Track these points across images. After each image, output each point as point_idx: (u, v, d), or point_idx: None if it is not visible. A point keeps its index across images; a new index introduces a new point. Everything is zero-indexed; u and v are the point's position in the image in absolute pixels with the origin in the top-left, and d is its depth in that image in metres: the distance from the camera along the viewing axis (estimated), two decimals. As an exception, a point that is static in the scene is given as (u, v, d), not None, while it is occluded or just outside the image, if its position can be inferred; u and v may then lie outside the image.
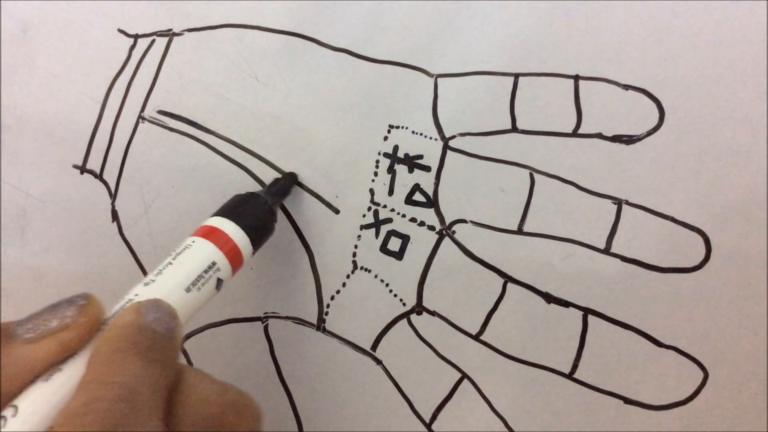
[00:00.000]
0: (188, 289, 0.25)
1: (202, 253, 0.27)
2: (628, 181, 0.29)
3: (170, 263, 0.26)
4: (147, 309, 0.22)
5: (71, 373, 0.21)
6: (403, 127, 0.32)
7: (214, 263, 0.27)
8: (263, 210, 0.30)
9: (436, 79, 0.32)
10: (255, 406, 0.22)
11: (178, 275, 0.25)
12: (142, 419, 0.19)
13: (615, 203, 0.29)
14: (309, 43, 0.34)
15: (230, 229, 0.28)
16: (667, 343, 0.28)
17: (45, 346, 0.21)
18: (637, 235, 0.29)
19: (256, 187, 0.34)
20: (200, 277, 0.26)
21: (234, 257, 0.28)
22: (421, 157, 0.32)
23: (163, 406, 0.20)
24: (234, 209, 0.29)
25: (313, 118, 0.34)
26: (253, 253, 0.29)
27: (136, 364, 0.20)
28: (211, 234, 0.27)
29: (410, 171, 0.32)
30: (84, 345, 0.22)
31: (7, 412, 0.20)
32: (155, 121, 0.36)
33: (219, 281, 0.27)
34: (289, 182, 0.33)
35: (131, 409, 0.19)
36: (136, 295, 0.24)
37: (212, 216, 0.29)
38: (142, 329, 0.22)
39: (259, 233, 0.30)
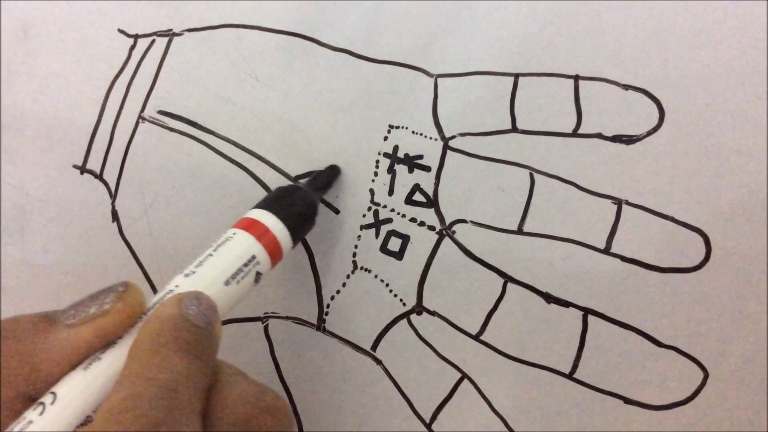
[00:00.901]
0: (227, 282, 0.25)
1: (242, 246, 0.26)
2: (628, 181, 0.29)
3: (210, 255, 0.25)
4: (188, 301, 0.22)
5: (111, 363, 0.21)
6: (403, 127, 0.32)
7: (253, 257, 0.26)
8: (305, 203, 0.30)
9: (436, 79, 0.32)
10: (289, 410, 0.23)
11: (218, 268, 0.25)
12: (182, 418, 0.19)
13: (615, 203, 0.29)
14: (309, 43, 0.34)
15: (271, 222, 0.28)
16: (667, 343, 0.28)
17: (84, 331, 0.21)
18: (637, 235, 0.29)
19: (255, 187, 0.34)
20: (240, 270, 0.26)
21: (274, 250, 0.27)
22: (421, 157, 0.32)
23: (202, 405, 0.20)
24: (275, 202, 0.29)
25: (313, 118, 0.34)
26: (293, 247, 0.29)
27: (177, 360, 0.20)
28: (252, 226, 0.27)
29: (410, 171, 0.32)
30: (123, 332, 0.22)
31: (46, 399, 0.20)
32: (155, 121, 0.36)
33: (258, 275, 0.27)
34: (332, 175, 0.32)
35: (172, 407, 0.19)
36: (177, 286, 0.24)
37: (253, 208, 0.29)
38: (183, 323, 0.21)
39: (299, 227, 0.29)
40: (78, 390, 0.21)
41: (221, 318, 0.24)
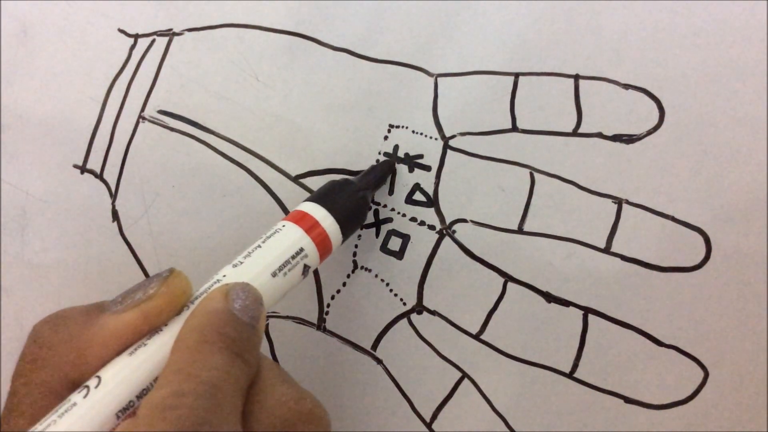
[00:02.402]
0: (275, 274, 0.25)
1: (290, 238, 0.26)
2: (628, 180, 0.29)
3: (259, 246, 0.26)
4: (235, 294, 0.22)
5: (156, 350, 0.21)
6: (403, 127, 0.32)
7: (302, 249, 0.26)
8: (356, 198, 0.30)
9: (436, 79, 0.32)
10: (327, 417, 0.23)
11: (266, 259, 0.25)
12: (224, 417, 0.19)
13: (615, 202, 0.29)
14: (309, 42, 0.34)
15: (321, 215, 0.28)
16: (667, 342, 0.28)
17: (129, 316, 0.22)
18: (638, 234, 0.29)
19: (256, 187, 0.34)
20: (287, 262, 0.26)
21: (322, 244, 0.27)
22: (421, 156, 0.32)
23: (242, 404, 0.21)
24: (327, 196, 0.29)
25: (314, 118, 0.34)
26: (343, 242, 0.29)
27: (221, 358, 0.20)
28: (302, 219, 0.27)
29: (410, 170, 0.32)
30: (168, 318, 0.22)
31: (91, 383, 0.21)
32: (155, 120, 0.36)
33: (306, 268, 0.26)
34: (386, 170, 0.32)
35: (215, 406, 0.19)
36: (224, 276, 0.24)
37: (305, 201, 0.28)
38: (228, 319, 0.22)
39: (350, 222, 0.29)
40: (122, 375, 0.21)
41: (268, 310, 0.24)
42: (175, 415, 0.18)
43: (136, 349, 0.21)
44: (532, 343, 0.30)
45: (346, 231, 0.29)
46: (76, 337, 0.22)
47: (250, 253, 0.25)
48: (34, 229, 0.38)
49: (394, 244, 0.32)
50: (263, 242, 0.26)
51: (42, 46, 0.39)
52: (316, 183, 0.33)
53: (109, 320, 0.22)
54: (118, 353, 0.22)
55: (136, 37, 0.37)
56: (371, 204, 0.32)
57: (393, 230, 0.32)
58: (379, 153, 0.33)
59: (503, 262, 0.30)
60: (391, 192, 0.32)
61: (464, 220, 0.31)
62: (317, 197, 0.29)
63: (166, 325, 0.22)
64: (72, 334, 0.22)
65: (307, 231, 0.27)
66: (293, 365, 0.34)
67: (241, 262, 0.25)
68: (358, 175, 0.31)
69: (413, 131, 0.32)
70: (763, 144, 0.28)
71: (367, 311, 0.32)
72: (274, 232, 0.26)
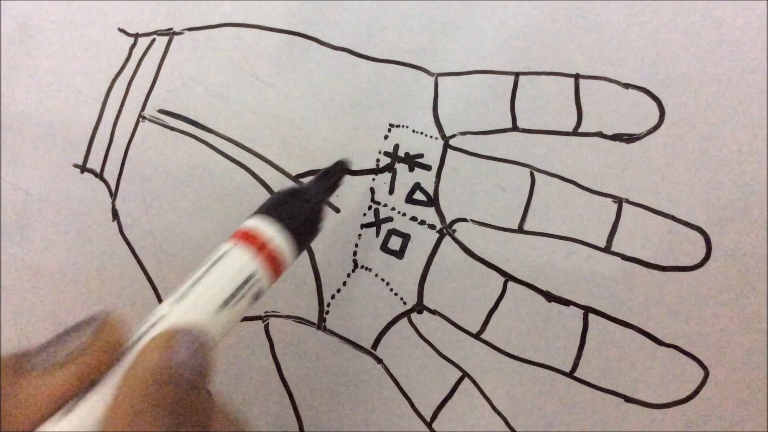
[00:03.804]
0: (223, 307, 0.22)
1: (238, 263, 0.23)
2: (628, 179, 0.29)
3: (203, 275, 0.23)
4: (177, 344, 0.20)
5: (93, 409, 0.19)
6: (403, 126, 0.32)
7: (252, 275, 0.23)
8: (309, 207, 0.27)
9: (436, 78, 0.32)
10: None
11: (212, 291, 0.22)
12: None
13: (615, 202, 0.29)
14: (309, 42, 0.34)
15: (271, 232, 0.24)
16: (667, 341, 0.28)
17: (61, 376, 0.19)
18: (638, 233, 0.29)
19: (256, 186, 0.34)
20: (237, 291, 0.23)
21: (275, 264, 0.24)
22: (421, 155, 0.32)
23: None
24: (276, 208, 0.25)
25: (314, 117, 0.34)
26: (297, 257, 0.26)
27: (161, 426, 0.18)
28: (250, 238, 0.24)
29: (411, 170, 0.32)
30: (105, 370, 0.20)
31: None
32: (156, 120, 0.36)
33: (258, 294, 0.24)
34: (339, 175, 0.29)
35: None
36: (166, 313, 0.21)
37: (252, 215, 0.25)
38: (170, 377, 0.19)
39: (303, 235, 0.26)
40: None
41: (216, 344, 0.22)
42: None
43: (74, 406, 0.19)
44: (533, 342, 0.30)
45: (300, 245, 0.26)
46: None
47: (193, 284, 0.22)
48: (35, 229, 0.38)
49: (395, 243, 0.32)
50: (207, 270, 0.23)
51: (42, 46, 0.39)
52: (316, 182, 0.33)
53: (38, 381, 0.19)
54: (51, 414, 0.19)
55: (137, 36, 0.37)
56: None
57: (393, 230, 0.32)
58: (380, 152, 0.33)
59: (503, 261, 0.30)
60: (391, 191, 0.32)
61: (464, 220, 0.31)
62: (265, 210, 0.25)
63: (102, 376, 0.20)
64: None
65: (258, 252, 0.24)
66: (294, 365, 0.34)
67: (185, 296, 0.22)
68: (309, 182, 0.29)
69: (413, 130, 0.32)
70: (763, 144, 0.28)
71: (368, 311, 0.32)
72: (220, 257, 0.23)
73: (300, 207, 0.26)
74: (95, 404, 0.19)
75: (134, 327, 0.21)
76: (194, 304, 0.22)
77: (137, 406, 0.19)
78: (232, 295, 0.22)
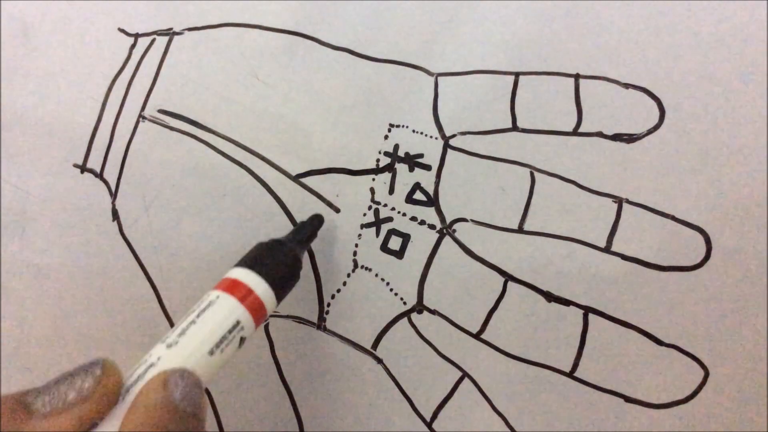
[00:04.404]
0: (212, 352, 0.24)
1: (226, 310, 0.25)
2: (628, 179, 0.29)
3: (193, 322, 0.24)
4: (174, 382, 0.21)
5: None
6: (403, 126, 0.32)
7: (238, 322, 0.25)
8: (288, 259, 0.29)
9: (436, 78, 0.32)
10: None
11: (202, 337, 0.24)
12: None
13: (615, 202, 0.29)
14: (309, 42, 0.34)
15: (254, 282, 0.27)
16: (667, 341, 0.28)
17: (62, 420, 0.20)
18: (638, 233, 0.29)
19: (256, 186, 0.34)
20: (224, 338, 0.24)
21: (257, 312, 0.26)
22: (421, 155, 0.32)
23: None
24: (257, 259, 0.28)
25: (314, 117, 0.34)
26: (277, 305, 0.28)
27: None
28: (235, 288, 0.26)
29: (411, 170, 0.32)
30: (104, 414, 0.21)
31: None
32: (156, 120, 0.36)
33: (242, 339, 0.26)
34: (315, 227, 0.32)
35: None
36: (159, 358, 0.23)
37: (235, 266, 0.27)
38: (170, 413, 0.21)
39: (283, 284, 0.28)
40: None
41: (206, 388, 0.23)
42: None
43: None
44: (533, 342, 0.30)
45: (280, 294, 0.28)
46: None
47: (184, 330, 0.24)
48: (35, 229, 0.38)
49: (395, 243, 0.32)
50: (197, 317, 0.25)
51: (42, 46, 0.39)
52: (316, 182, 0.33)
53: (40, 425, 0.20)
54: None
55: (137, 36, 0.37)
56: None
57: (393, 230, 0.32)
58: (380, 152, 0.33)
59: (503, 261, 0.30)
60: (391, 191, 0.32)
61: (464, 220, 0.31)
62: (247, 262, 0.28)
63: (102, 419, 0.21)
64: None
65: (241, 300, 0.26)
66: (294, 365, 0.34)
67: (176, 342, 0.23)
68: (287, 234, 0.31)
69: (413, 130, 0.32)
70: (763, 144, 0.28)
71: (368, 311, 0.32)
72: (208, 305, 0.25)
73: (278, 259, 0.28)
74: None
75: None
76: (186, 349, 0.23)
77: None
78: (221, 341, 0.24)
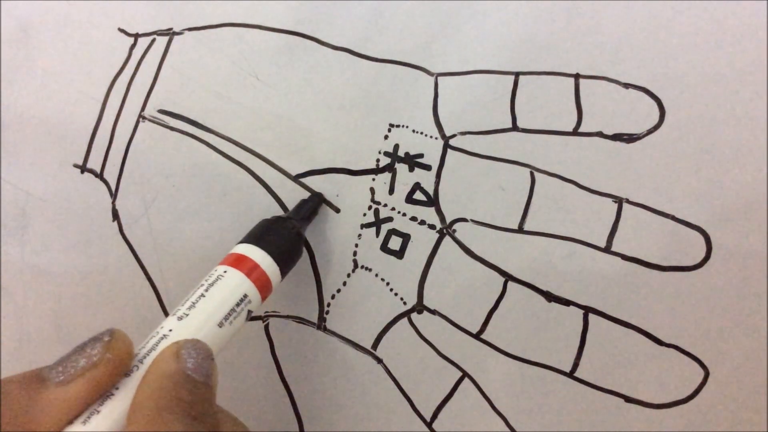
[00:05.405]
0: (221, 324, 0.25)
1: (233, 284, 0.26)
2: (628, 179, 0.29)
3: (203, 295, 0.25)
4: (186, 352, 0.22)
5: (110, 416, 0.21)
6: (403, 126, 0.32)
7: (245, 296, 0.26)
8: (291, 234, 0.30)
9: (436, 78, 0.32)
10: None
11: (211, 309, 0.25)
12: None
13: (615, 202, 0.29)
14: (309, 42, 0.34)
15: (259, 256, 0.27)
16: (667, 341, 0.28)
17: (75, 386, 0.21)
18: (638, 233, 0.29)
19: (256, 186, 0.34)
20: (233, 311, 0.25)
21: (263, 286, 0.27)
22: (421, 155, 0.32)
23: None
24: (262, 235, 0.29)
25: (314, 117, 0.34)
26: (281, 279, 0.29)
27: (181, 425, 0.20)
28: (241, 263, 0.27)
29: (411, 170, 0.32)
30: (116, 381, 0.22)
31: None
32: (156, 120, 0.36)
33: (248, 312, 0.27)
34: (316, 204, 0.32)
35: None
36: (170, 330, 0.24)
37: (239, 243, 0.28)
38: (183, 381, 0.21)
39: (287, 259, 0.29)
40: None
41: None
42: None
43: (89, 417, 0.21)
44: (533, 342, 0.30)
45: (284, 269, 0.29)
46: (20, 414, 0.20)
47: (194, 303, 0.25)
48: (35, 229, 0.38)
49: (395, 243, 0.32)
50: (206, 291, 0.25)
51: (42, 46, 0.39)
52: (316, 182, 0.33)
53: (54, 393, 0.21)
54: (69, 423, 0.21)
55: (137, 36, 0.37)
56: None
57: (393, 230, 0.32)
58: (380, 152, 0.33)
59: (503, 261, 0.30)
60: (391, 191, 0.32)
61: (464, 220, 0.31)
62: (252, 238, 0.28)
63: (116, 388, 0.22)
64: (15, 412, 0.20)
65: (248, 274, 0.27)
66: (294, 365, 0.34)
67: (186, 314, 0.24)
68: (289, 211, 0.32)
69: (413, 130, 0.32)
70: (763, 144, 0.28)
71: (368, 311, 0.32)
72: (216, 279, 0.26)
73: (282, 235, 0.29)
74: (115, 408, 0.21)
75: (140, 340, 0.23)
76: (197, 321, 0.24)
77: (158, 404, 0.20)
78: (230, 313, 0.25)
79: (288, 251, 0.29)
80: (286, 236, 0.29)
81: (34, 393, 0.21)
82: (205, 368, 0.22)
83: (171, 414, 0.20)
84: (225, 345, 0.25)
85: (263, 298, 0.27)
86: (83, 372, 0.21)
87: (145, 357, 0.23)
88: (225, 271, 0.26)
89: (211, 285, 0.26)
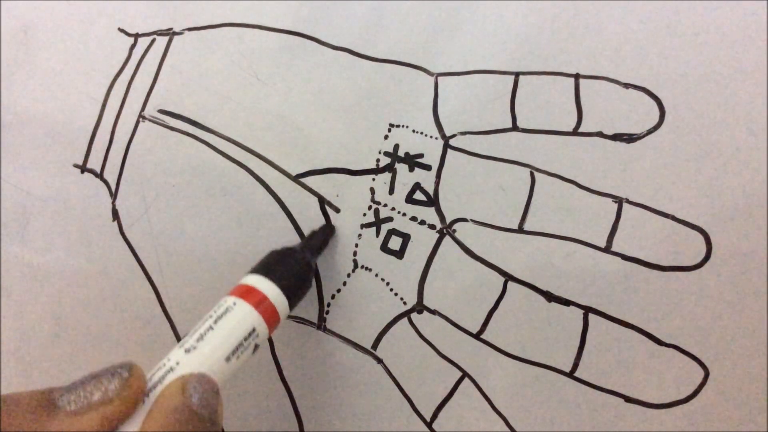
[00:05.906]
0: (228, 359, 0.25)
1: (242, 317, 0.26)
2: (628, 179, 0.29)
3: (211, 328, 0.25)
4: (192, 387, 0.22)
5: None
6: (403, 126, 0.32)
7: (254, 329, 0.26)
8: (301, 265, 0.29)
9: (436, 78, 0.32)
10: None
11: (219, 343, 0.25)
12: None
13: (615, 202, 0.29)
14: (309, 42, 0.34)
15: (268, 288, 0.27)
16: (667, 341, 0.28)
17: (87, 418, 0.21)
18: (638, 233, 0.29)
19: (256, 186, 0.34)
20: (240, 345, 0.25)
21: (271, 318, 0.27)
22: (421, 155, 0.32)
23: None
24: (271, 266, 0.28)
25: (314, 117, 0.34)
26: (289, 312, 0.28)
27: None
28: (250, 295, 0.27)
29: (411, 170, 0.32)
30: (126, 418, 0.21)
31: None
32: (156, 120, 0.36)
33: (256, 347, 0.26)
34: (327, 236, 0.32)
35: None
36: (177, 363, 0.23)
37: (249, 273, 0.28)
38: (188, 417, 0.21)
39: (296, 291, 0.29)
40: None
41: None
42: None
43: None
44: (533, 342, 0.30)
45: (292, 301, 0.28)
46: None
47: (202, 335, 0.25)
48: (35, 229, 0.38)
49: (395, 243, 0.32)
50: (214, 323, 0.25)
51: (42, 46, 0.39)
52: (316, 182, 0.33)
53: (64, 422, 0.20)
54: None
55: (137, 36, 0.37)
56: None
57: (393, 230, 0.32)
58: (380, 152, 0.33)
59: (503, 261, 0.30)
60: (391, 191, 0.32)
61: (465, 220, 0.31)
62: (261, 269, 0.28)
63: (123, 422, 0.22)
64: None
65: (256, 306, 0.26)
66: (294, 365, 0.34)
67: (194, 347, 0.24)
68: (300, 242, 0.32)
69: (413, 130, 0.32)
70: (763, 144, 0.28)
71: (368, 311, 0.32)
72: (225, 312, 0.26)
73: (291, 266, 0.29)
74: None
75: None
76: (204, 355, 0.24)
77: None
78: (237, 347, 0.25)
79: (297, 283, 0.29)
80: (295, 267, 0.29)
81: (45, 419, 0.20)
82: (211, 404, 0.22)
83: None
84: (231, 379, 0.25)
85: (271, 330, 0.27)
86: (97, 406, 0.21)
87: (151, 390, 0.22)
88: (234, 303, 0.26)
89: (220, 317, 0.25)
